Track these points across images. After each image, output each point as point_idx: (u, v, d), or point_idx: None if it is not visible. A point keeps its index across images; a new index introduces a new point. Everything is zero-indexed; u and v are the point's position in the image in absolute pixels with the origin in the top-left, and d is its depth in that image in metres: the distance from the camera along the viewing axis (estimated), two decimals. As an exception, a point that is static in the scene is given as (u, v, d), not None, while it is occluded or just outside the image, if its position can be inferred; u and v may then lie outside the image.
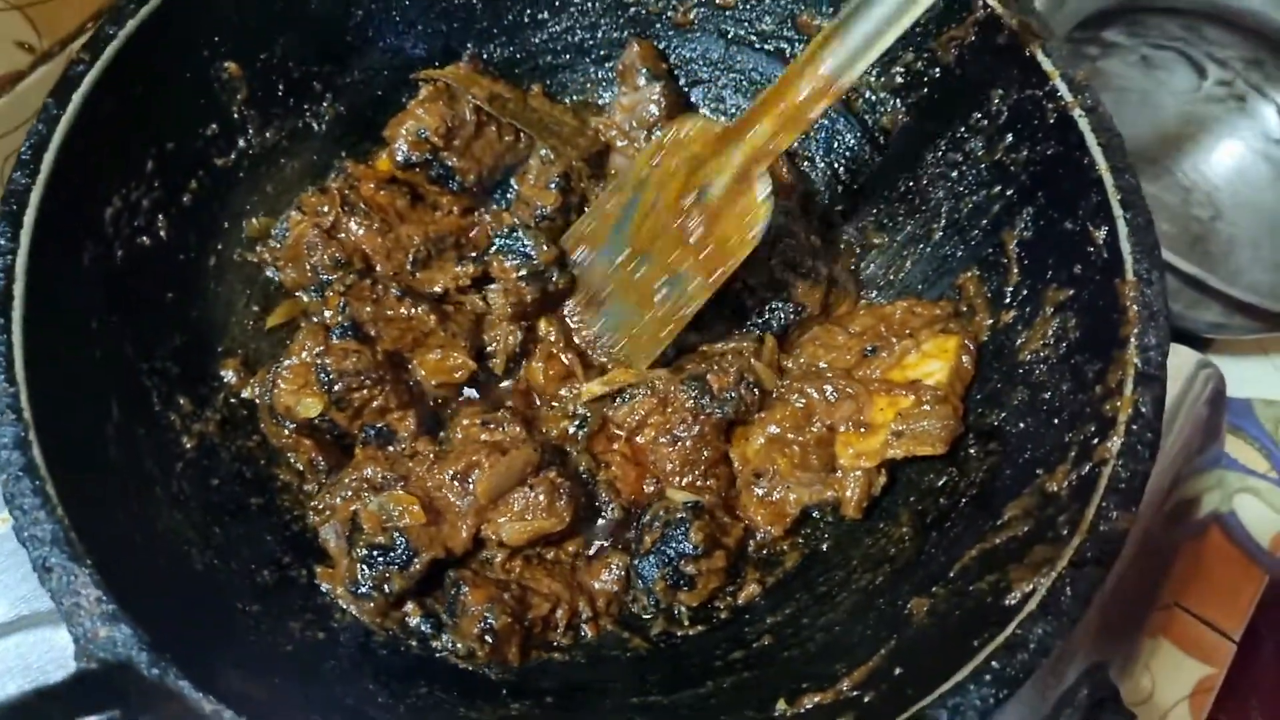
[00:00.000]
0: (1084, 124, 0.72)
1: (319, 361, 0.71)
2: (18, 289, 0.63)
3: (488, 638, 0.70)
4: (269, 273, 0.84)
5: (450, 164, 0.86)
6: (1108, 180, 0.71)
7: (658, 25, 0.94)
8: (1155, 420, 0.64)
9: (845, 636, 0.69)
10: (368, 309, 0.75)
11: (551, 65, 0.96)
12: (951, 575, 0.67)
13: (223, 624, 0.63)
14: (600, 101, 0.97)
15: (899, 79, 0.87)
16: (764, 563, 0.79)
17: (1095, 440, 0.64)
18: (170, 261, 0.76)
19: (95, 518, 0.59)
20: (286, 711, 0.58)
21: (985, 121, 0.81)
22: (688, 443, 0.77)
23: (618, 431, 0.79)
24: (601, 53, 0.96)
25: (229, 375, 0.78)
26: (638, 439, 0.79)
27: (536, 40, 0.94)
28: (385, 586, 0.69)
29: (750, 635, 0.73)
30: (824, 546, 0.79)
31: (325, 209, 0.80)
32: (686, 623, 0.75)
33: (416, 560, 0.70)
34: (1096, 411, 0.66)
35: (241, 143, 0.82)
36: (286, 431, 0.75)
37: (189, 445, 0.72)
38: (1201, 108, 1.20)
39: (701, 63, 0.95)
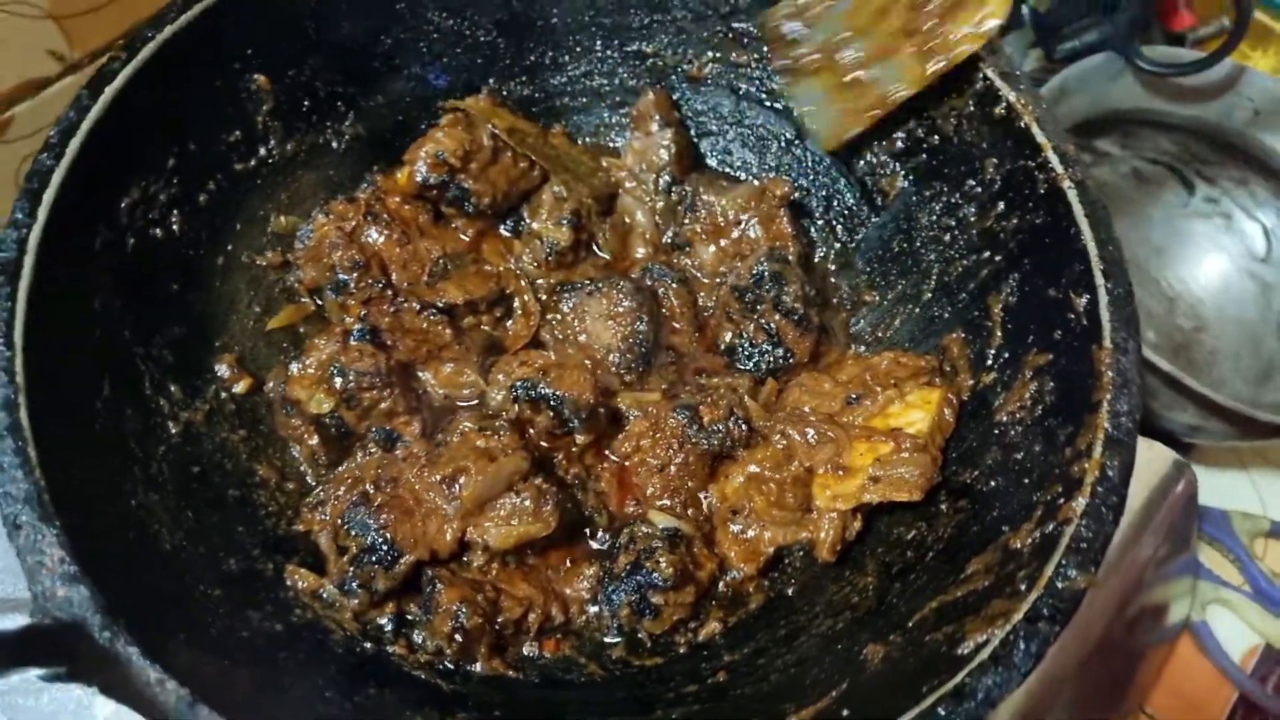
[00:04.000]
0: (1072, 195, 0.75)
1: (336, 360, 0.74)
2: (28, 260, 0.65)
3: (458, 636, 0.71)
4: (285, 275, 0.87)
5: (466, 186, 0.89)
6: (1092, 250, 0.72)
7: (673, 77, 0.98)
8: (1121, 485, 0.64)
9: (799, 678, 0.69)
10: (387, 319, 0.78)
11: (568, 107, 0.99)
12: (910, 625, 0.67)
13: (181, 602, 0.64)
14: (612, 145, 1.00)
15: (900, 144, 0.89)
16: (729, 601, 0.79)
17: (1061, 500, 0.65)
18: (179, 255, 0.79)
19: (71, 484, 0.61)
20: (232, 692, 0.58)
21: (979, 189, 0.83)
22: (672, 469, 0.79)
23: (612, 457, 0.81)
24: (617, 99, 0.99)
25: (223, 370, 0.80)
26: (627, 463, 0.80)
27: (555, 82, 0.98)
28: (371, 585, 0.71)
29: (706, 670, 0.73)
30: (789, 590, 0.79)
31: (350, 215, 0.83)
32: (645, 652, 0.75)
33: (401, 561, 0.71)
34: (1065, 473, 0.66)
35: (262, 151, 0.85)
36: (295, 422, 0.77)
37: (174, 431, 0.74)
38: (1189, 222, 1.23)
39: (712, 115, 0.99)
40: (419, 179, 0.88)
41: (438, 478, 0.73)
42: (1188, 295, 1.22)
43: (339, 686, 0.66)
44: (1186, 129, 1.15)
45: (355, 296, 0.81)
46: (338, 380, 0.75)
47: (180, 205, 0.79)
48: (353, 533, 0.71)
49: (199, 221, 0.81)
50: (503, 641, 0.75)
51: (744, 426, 0.80)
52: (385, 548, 0.70)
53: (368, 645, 0.71)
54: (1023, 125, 0.78)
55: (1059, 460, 0.68)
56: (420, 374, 0.80)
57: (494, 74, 0.96)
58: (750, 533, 0.79)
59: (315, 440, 0.77)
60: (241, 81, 0.82)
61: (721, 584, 0.79)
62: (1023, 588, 0.62)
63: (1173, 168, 1.20)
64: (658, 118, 0.97)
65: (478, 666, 0.73)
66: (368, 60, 0.90)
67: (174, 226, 0.78)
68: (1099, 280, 0.71)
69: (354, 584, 0.70)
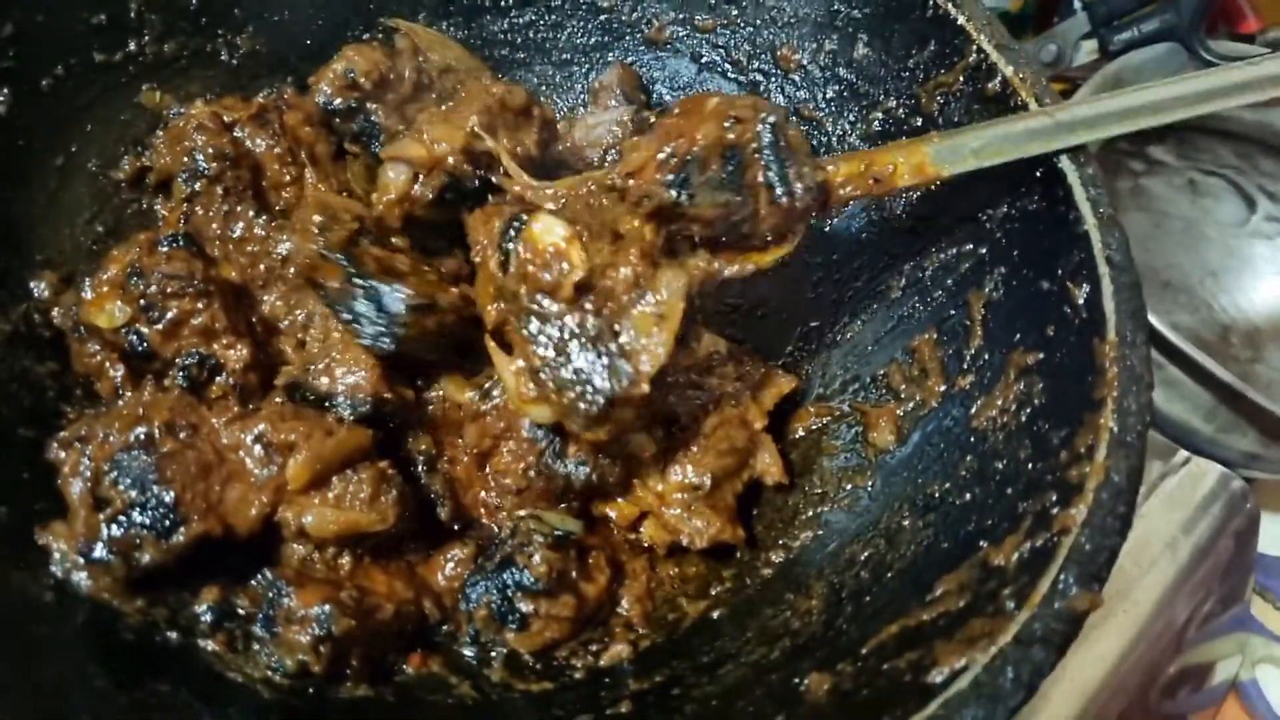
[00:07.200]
0: (1073, 177, 0.65)
1: (136, 264, 0.58)
2: None
3: (323, 647, 0.55)
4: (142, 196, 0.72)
5: (376, 120, 0.76)
6: (1094, 236, 0.62)
7: (628, 38, 0.87)
8: (1129, 492, 0.53)
9: (722, 711, 0.55)
10: (215, 225, 0.62)
11: (507, 59, 0.88)
12: (864, 652, 0.54)
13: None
14: (555, 110, 0.89)
15: (877, 126, 0.79)
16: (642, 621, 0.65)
17: (1055, 509, 0.53)
18: (3, 141, 0.65)
19: None
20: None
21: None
22: (529, 493, 0.65)
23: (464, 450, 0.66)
24: (564, 56, 0.88)
25: (41, 288, 0.65)
26: (484, 465, 0.66)
27: (495, 28, 0.87)
28: (133, 555, 0.54)
29: (605, 700, 0.58)
30: (716, 614, 0.65)
31: (238, 111, 0.70)
32: (530, 675, 0.60)
33: (181, 529, 0.54)
34: (1060, 479, 0.55)
35: (132, 45, 0.72)
36: (92, 349, 0.61)
37: (-45, 347, 0.58)
38: (1248, 242, 1.12)
39: (669, 85, 0.88)
40: (321, 100, 0.75)
41: (252, 434, 0.58)
42: (1244, 323, 1.10)
43: (117, 677, 0.50)
44: (1251, 138, 1.05)
45: (208, 192, 0.66)
46: (135, 284, 0.59)
47: (15, 83, 0.65)
48: (120, 482, 0.55)
49: (37, 108, 0.67)
50: (375, 652, 0.59)
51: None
52: (161, 508, 0.54)
53: (172, 636, 0.55)
54: (1020, 103, 0.69)
55: (1052, 465, 0.56)
56: (262, 300, 0.65)
57: (425, 8, 0.84)
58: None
59: (120, 373, 0.61)
60: (115, -46, 0.70)
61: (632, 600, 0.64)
62: (1010, 605, 0.49)
63: (1233, 181, 1.10)
64: (619, 93, 0.86)
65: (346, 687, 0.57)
66: (277, -34, 0.78)
67: (1, 106, 0.65)
68: (1102, 268, 0.61)
69: (107, 550, 0.53)
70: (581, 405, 0.58)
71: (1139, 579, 0.74)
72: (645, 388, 0.59)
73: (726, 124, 0.61)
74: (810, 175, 0.63)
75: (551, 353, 0.58)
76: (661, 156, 0.61)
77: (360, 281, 0.59)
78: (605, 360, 0.58)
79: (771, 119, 0.62)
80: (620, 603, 0.66)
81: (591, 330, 0.58)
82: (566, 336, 0.58)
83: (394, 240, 0.66)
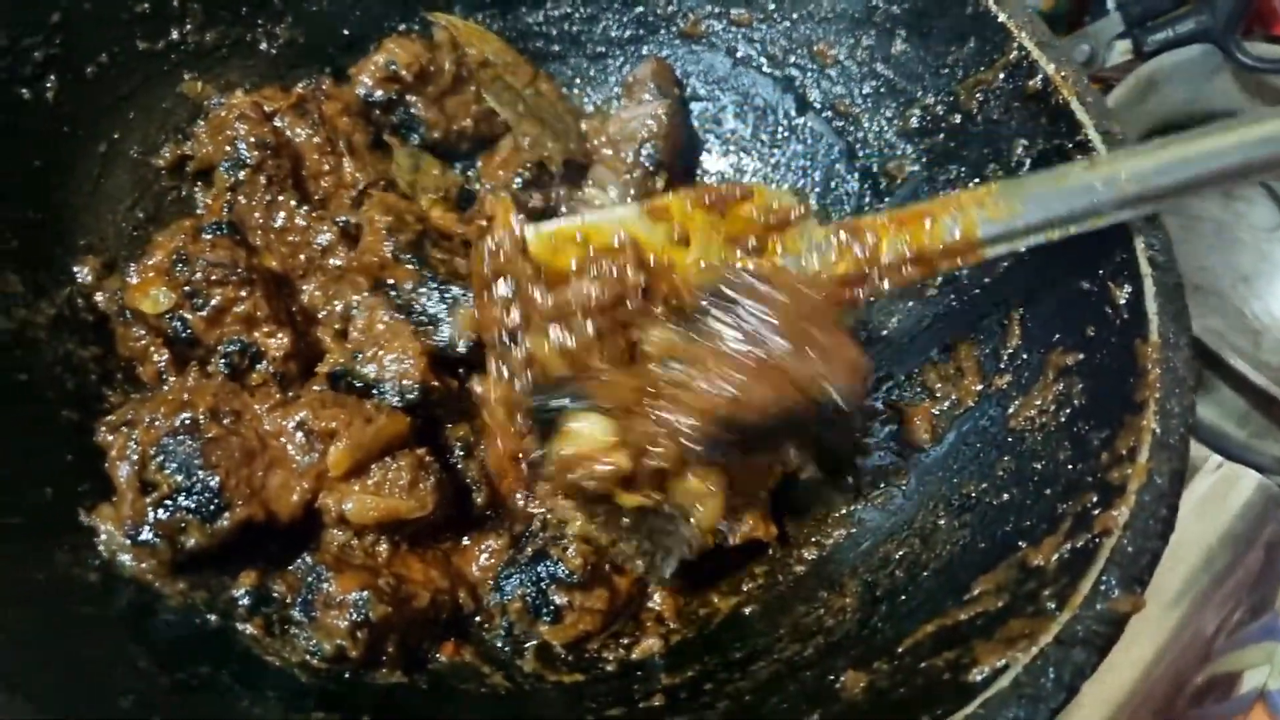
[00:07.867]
0: (1115, 176, 0.64)
1: (181, 251, 0.59)
2: None
3: (360, 632, 0.55)
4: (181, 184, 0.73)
5: (416, 111, 0.76)
6: (1137, 237, 0.62)
7: (663, 31, 0.87)
8: (1171, 495, 0.53)
9: (755, 708, 0.54)
10: (257, 214, 0.63)
11: (541, 51, 0.88)
12: (900, 650, 0.54)
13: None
14: (585, 104, 0.89)
15: (914, 122, 0.79)
16: (673, 616, 0.65)
17: (1096, 510, 0.53)
18: (49, 128, 0.66)
19: None
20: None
21: (1002, 174, 0.72)
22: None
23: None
24: (599, 49, 0.88)
25: (84, 273, 0.65)
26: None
27: (530, 20, 0.87)
28: (179, 538, 0.54)
29: (638, 693, 0.58)
30: (748, 610, 0.65)
31: (278, 101, 0.71)
32: (562, 667, 0.61)
33: (226, 514, 0.55)
34: (1101, 480, 0.55)
35: (174, 34, 0.73)
36: (137, 334, 0.62)
37: (2, 326, 0.59)
38: None
39: (703, 79, 0.88)
40: (362, 92, 0.76)
41: (294, 421, 0.58)
42: (1276, 328, 1.06)
43: (159, 659, 0.50)
44: (1286, 142, 1.03)
45: (250, 182, 0.66)
46: (180, 271, 0.60)
47: (60, 70, 0.66)
48: (166, 467, 0.55)
49: (82, 96, 0.67)
50: (411, 639, 0.59)
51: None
52: (206, 493, 0.55)
53: (211, 619, 0.56)
54: (1061, 101, 0.68)
55: (1093, 467, 0.56)
56: (301, 290, 0.65)
57: (460, 1, 0.84)
58: None
59: (164, 358, 0.62)
60: (159, -57, 0.70)
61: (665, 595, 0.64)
62: (1050, 606, 0.49)
63: (1266, 185, 1.07)
64: (653, 87, 0.85)
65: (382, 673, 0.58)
66: (315, -44, 0.79)
67: (48, 93, 0.65)
68: (1144, 269, 0.61)
69: (153, 533, 0.54)
70: (657, 567, 0.60)
71: (1169, 586, 0.73)
72: (710, 541, 0.60)
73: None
74: None
75: (616, 533, 0.60)
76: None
77: (435, 284, 0.60)
78: (670, 529, 0.58)
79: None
80: (652, 597, 0.66)
81: (650, 511, 0.57)
82: (626, 521, 0.59)
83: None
